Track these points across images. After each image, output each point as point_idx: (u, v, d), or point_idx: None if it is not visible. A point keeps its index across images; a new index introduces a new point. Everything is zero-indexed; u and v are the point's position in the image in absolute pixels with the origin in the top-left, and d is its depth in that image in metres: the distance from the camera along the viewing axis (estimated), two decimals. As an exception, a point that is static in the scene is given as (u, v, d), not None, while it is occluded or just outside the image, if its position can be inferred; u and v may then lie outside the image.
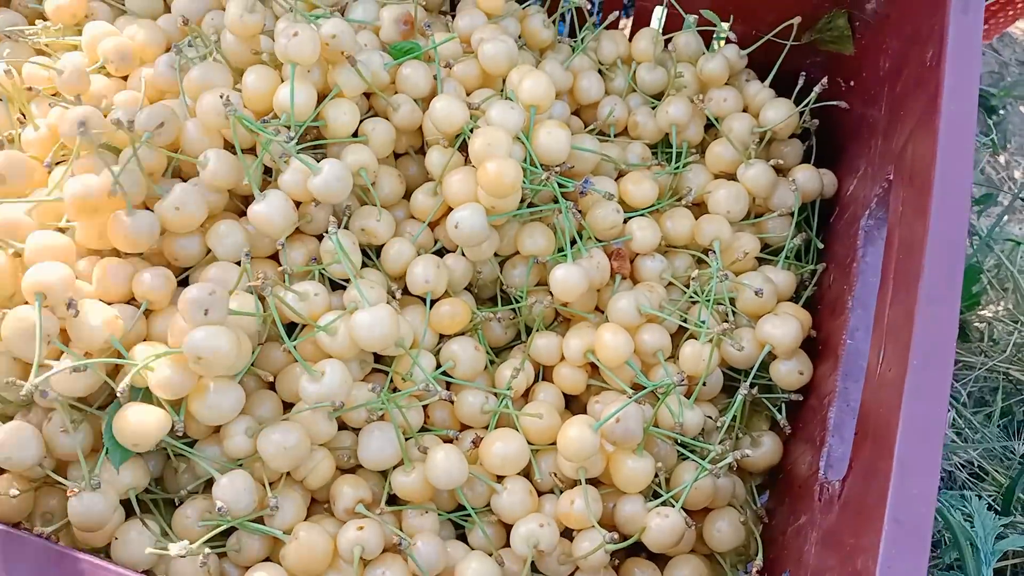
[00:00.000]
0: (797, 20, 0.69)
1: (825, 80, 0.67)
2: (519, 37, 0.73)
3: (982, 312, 1.06)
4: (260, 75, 0.60)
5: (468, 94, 0.68)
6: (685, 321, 0.62)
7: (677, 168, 0.69)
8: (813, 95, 0.68)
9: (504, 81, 0.67)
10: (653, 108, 0.72)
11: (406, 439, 0.57)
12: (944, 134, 0.50)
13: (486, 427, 0.60)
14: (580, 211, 0.64)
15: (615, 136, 0.72)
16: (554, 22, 0.73)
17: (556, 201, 0.62)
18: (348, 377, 0.53)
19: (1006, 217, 1.25)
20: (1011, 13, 1.27)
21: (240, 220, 0.60)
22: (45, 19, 0.71)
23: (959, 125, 0.50)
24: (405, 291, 0.62)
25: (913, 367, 0.45)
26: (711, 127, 0.72)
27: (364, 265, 0.62)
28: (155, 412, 0.51)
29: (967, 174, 0.49)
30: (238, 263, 0.57)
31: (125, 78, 0.66)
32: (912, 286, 0.47)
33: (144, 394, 0.52)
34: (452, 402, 0.60)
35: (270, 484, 0.55)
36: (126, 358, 0.52)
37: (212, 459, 0.55)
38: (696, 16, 0.73)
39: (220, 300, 0.52)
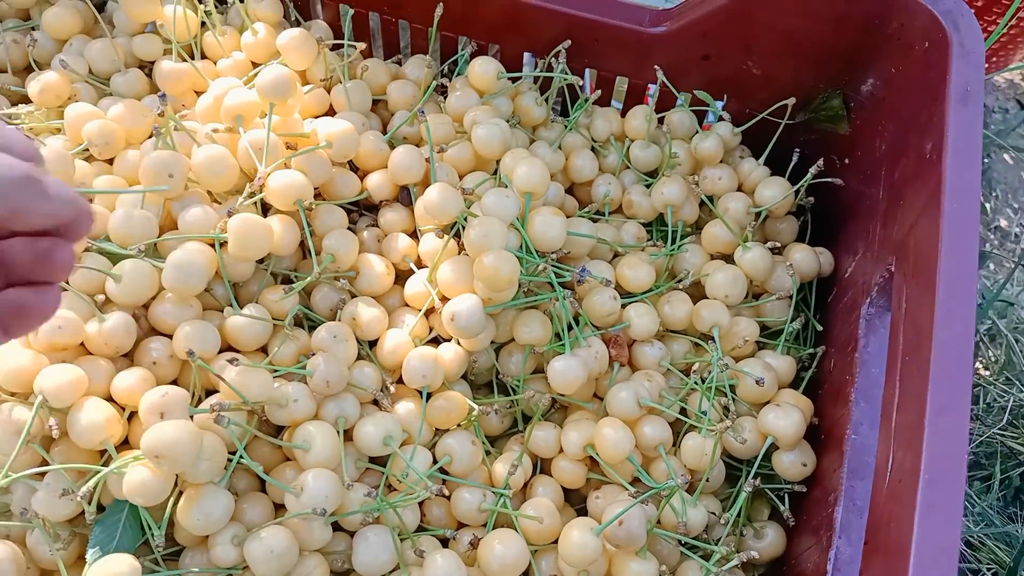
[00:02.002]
0: (792, 101, 0.69)
1: (821, 161, 0.67)
2: (512, 115, 0.72)
3: (975, 366, 1.05)
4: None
5: (460, 177, 0.67)
6: (684, 412, 0.61)
7: (673, 250, 0.68)
8: (809, 176, 0.67)
9: (497, 163, 0.67)
10: (647, 186, 0.72)
11: (401, 540, 0.55)
12: (947, 235, 0.49)
13: (483, 524, 0.58)
14: (577, 298, 0.63)
15: (610, 214, 0.72)
16: (547, 100, 0.73)
17: (552, 287, 0.61)
18: (332, 487, 0.52)
19: (993, 266, 1.26)
20: (995, 61, 1.28)
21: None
22: (28, 101, 0.70)
23: (962, 226, 0.49)
24: (399, 382, 0.61)
25: (925, 482, 0.44)
26: (703, 206, 0.72)
27: (359, 357, 0.60)
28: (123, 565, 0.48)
29: (972, 277, 0.48)
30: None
31: (110, 160, 0.65)
32: (920, 394, 0.47)
33: (131, 510, 0.51)
34: (448, 498, 0.59)
35: (262, 594, 0.53)
36: (116, 461, 0.50)
37: (200, 569, 0.53)
38: (689, 94, 0.73)
39: (176, 402, 0.51)
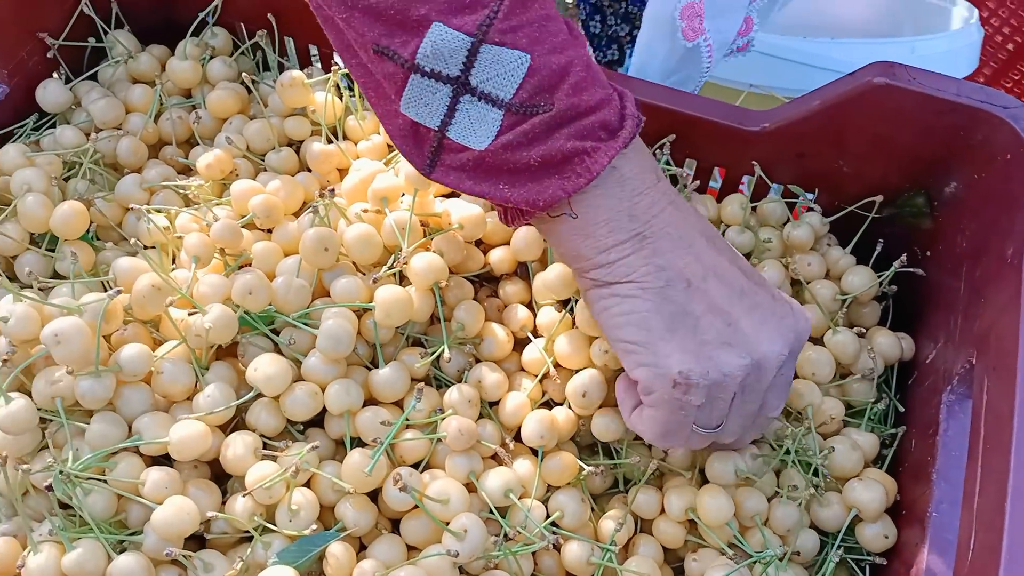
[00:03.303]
0: (880, 198, 0.75)
1: (904, 256, 0.73)
2: (618, 200, 0.79)
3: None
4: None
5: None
6: (777, 482, 0.66)
7: (766, 330, 0.74)
8: (894, 268, 0.73)
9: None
10: (741, 269, 0.78)
11: (517, 586, 0.62)
12: (1029, 339, 0.55)
13: (590, 576, 0.64)
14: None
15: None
16: (650, 186, 0.80)
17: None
18: (486, 534, 0.59)
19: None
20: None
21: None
22: (191, 171, 0.80)
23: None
24: (516, 438, 0.68)
25: (1006, 561, 0.49)
26: (794, 285, 0.78)
27: (481, 416, 0.68)
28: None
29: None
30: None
31: (268, 230, 0.74)
32: (1001, 479, 0.52)
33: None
34: (558, 550, 0.65)
35: (396, 627, 0.60)
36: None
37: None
38: (782, 186, 0.79)
39: None
